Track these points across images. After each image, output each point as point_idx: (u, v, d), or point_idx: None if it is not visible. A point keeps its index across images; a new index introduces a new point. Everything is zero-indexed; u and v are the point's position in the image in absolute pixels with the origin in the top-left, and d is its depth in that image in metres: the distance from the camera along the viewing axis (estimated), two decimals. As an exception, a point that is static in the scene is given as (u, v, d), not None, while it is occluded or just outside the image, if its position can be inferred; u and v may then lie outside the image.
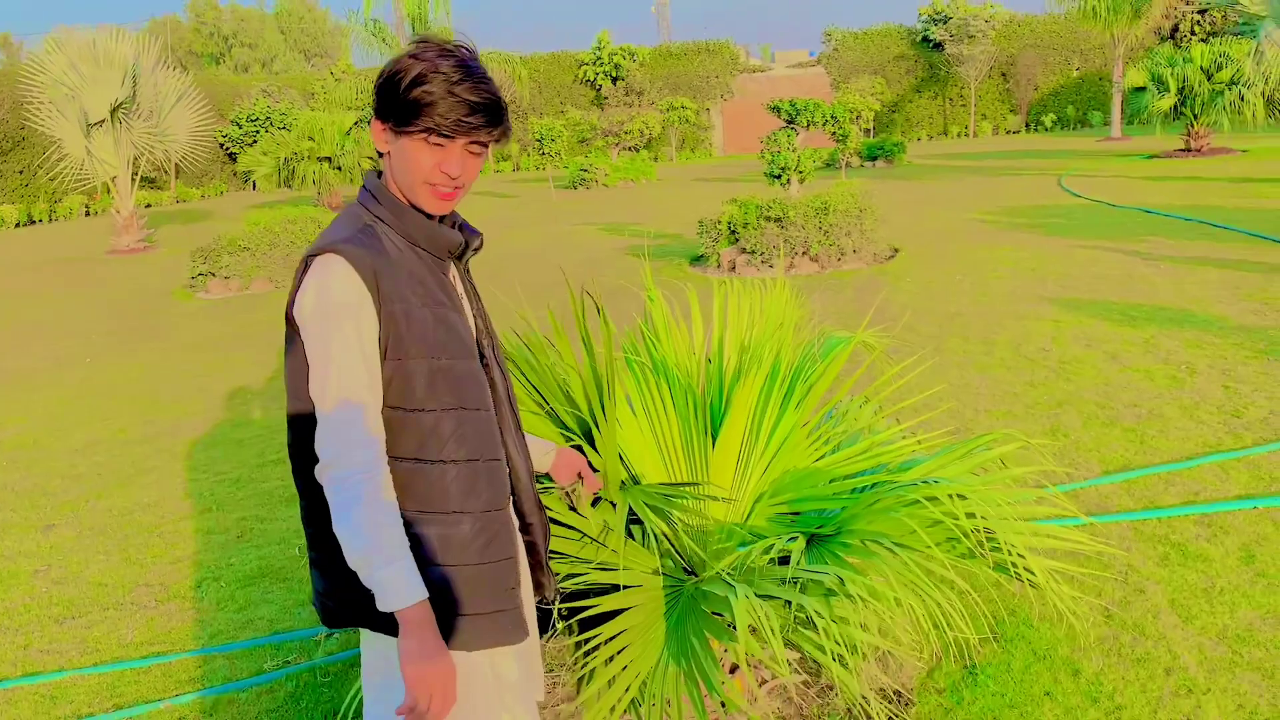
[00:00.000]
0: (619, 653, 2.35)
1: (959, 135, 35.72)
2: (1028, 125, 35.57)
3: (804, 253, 10.74)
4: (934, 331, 7.68)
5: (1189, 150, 20.71)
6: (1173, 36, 32.39)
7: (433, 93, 1.69)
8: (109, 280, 15.02)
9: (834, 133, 20.71)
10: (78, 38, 17.17)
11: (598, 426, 2.43)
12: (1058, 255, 10.53)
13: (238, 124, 36.24)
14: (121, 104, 17.28)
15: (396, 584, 1.68)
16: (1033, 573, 2.62)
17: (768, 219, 10.76)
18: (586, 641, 2.49)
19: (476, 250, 1.95)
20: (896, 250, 11.42)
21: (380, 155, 1.81)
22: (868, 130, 33.35)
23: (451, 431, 1.78)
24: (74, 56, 17.00)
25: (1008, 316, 7.97)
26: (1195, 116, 20.22)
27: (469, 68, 1.73)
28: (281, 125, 32.30)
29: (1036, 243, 11.46)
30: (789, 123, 11.37)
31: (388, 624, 1.78)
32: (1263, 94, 19.01)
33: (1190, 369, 6.23)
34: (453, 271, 1.89)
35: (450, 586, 1.79)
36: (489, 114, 1.74)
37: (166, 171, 34.05)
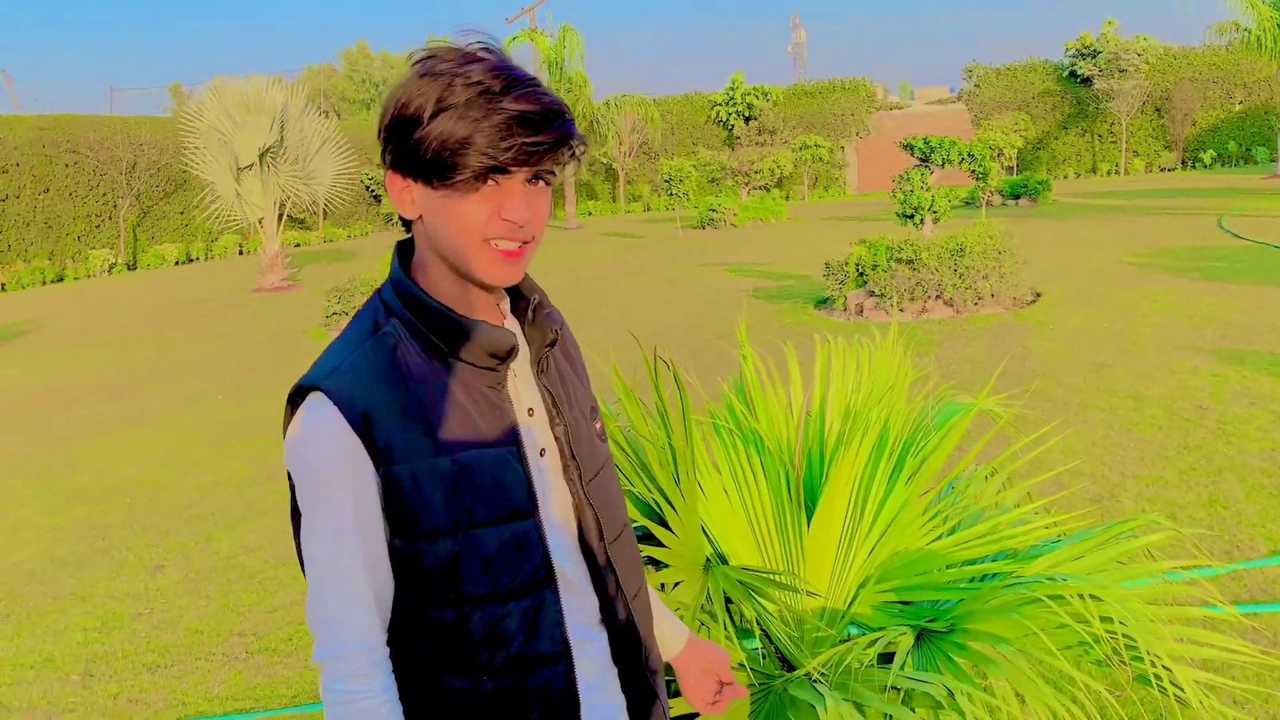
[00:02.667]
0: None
1: (1109, 173, 34.14)
2: (1184, 163, 33.74)
3: (937, 296, 10.26)
4: (1077, 384, 7.13)
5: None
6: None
7: (469, 116, 1.19)
8: (250, 318, 15.59)
9: (973, 170, 20.04)
10: (233, 86, 18.06)
11: (671, 503, 2.18)
12: (1217, 302, 9.75)
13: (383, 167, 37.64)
14: (269, 148, 18.04)
15: None
16: (1180, 688, 2.23)
17: (898, 260, 10.33)
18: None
19: (552, 345, 1.41)
20: (1039, 294, 10.81)
21: (405, 224, 1.32)
22: (1010, 168, 32.28)
23: (483, 635, 1.30)
24: (228, 104, 17.88)
25: (1159, 369, 7.35)
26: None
27: (508, 69, 1.23)
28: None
29: (1192, 288, 10.66)
30: (923, 160, 10.93)
31: None
32: None
33: (1369, 433, 5.56)
34: (515, 375, 1.38)
35: None
36: (554, 127, 1.22)
37: (315, 213, 35.57)
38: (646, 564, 2.41)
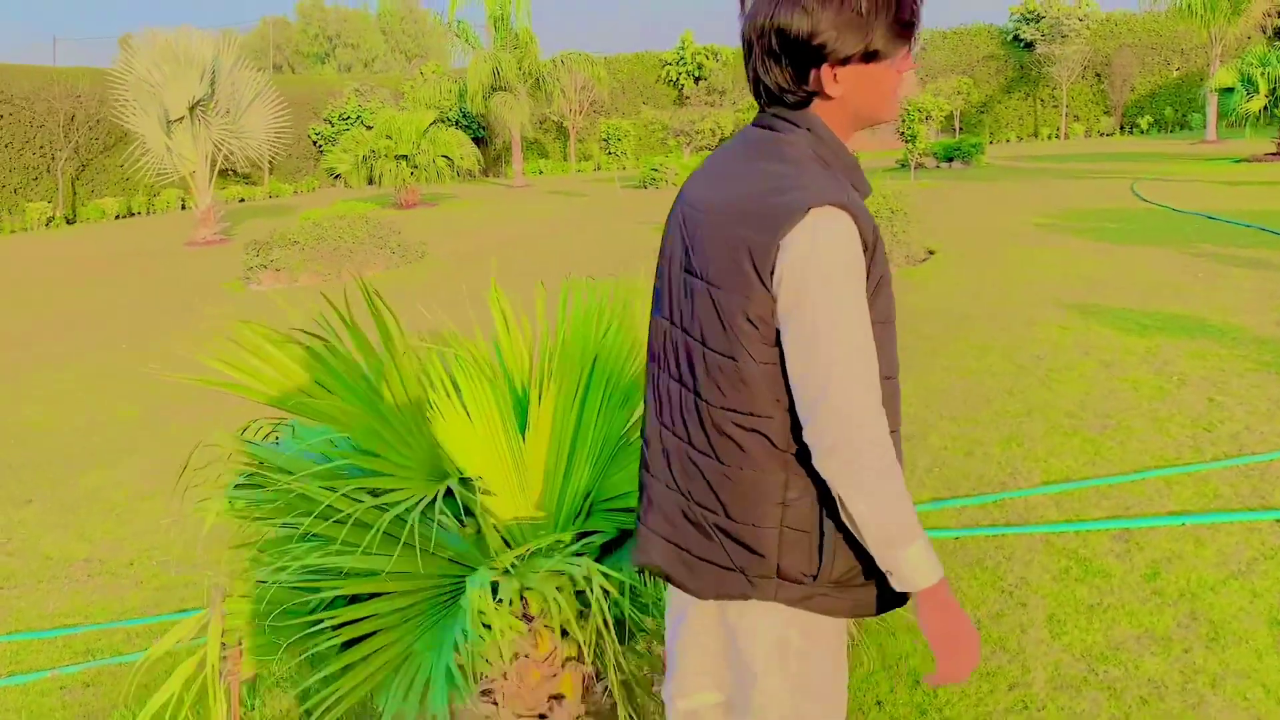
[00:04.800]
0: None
1: (1049, 137, 34.68)
2: (1122, 128, 34.33)
3: (832, 254, 10.60)
4: (934, 333, 7.51)
5: (1280, 154, 19.74)
6: (1279, 36, 30.89)
7: (885, 11, 1.61)
8: (173, 271, 15.65)
9: (902, 133, 20.37)
10: (163, 38, 17.92)
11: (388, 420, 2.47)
12: (1096, 260, 10.17)
13: (329, 122, 37.35)
14: (199, 102, 17.97)
15: (919, 563, 1.56)
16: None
17: (797, 219, 10.65)
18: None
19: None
20: (932, 253, 11.18)
21: (794, 103, 1.68)
22: (953, 131, 32.66)
23: (888, 402, 1.65)
24: (157, 56, 17.76)
25: (1017, 321, 7.74)
26: (1289, 118, 19.29)
27: None
28: (369, 125, 33.16)
29: (1081, 247, 11.09)
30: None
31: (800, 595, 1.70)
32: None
33: (1182, 380, 5.97)
34: None
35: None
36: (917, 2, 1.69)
37: (260, 167, 35.29)
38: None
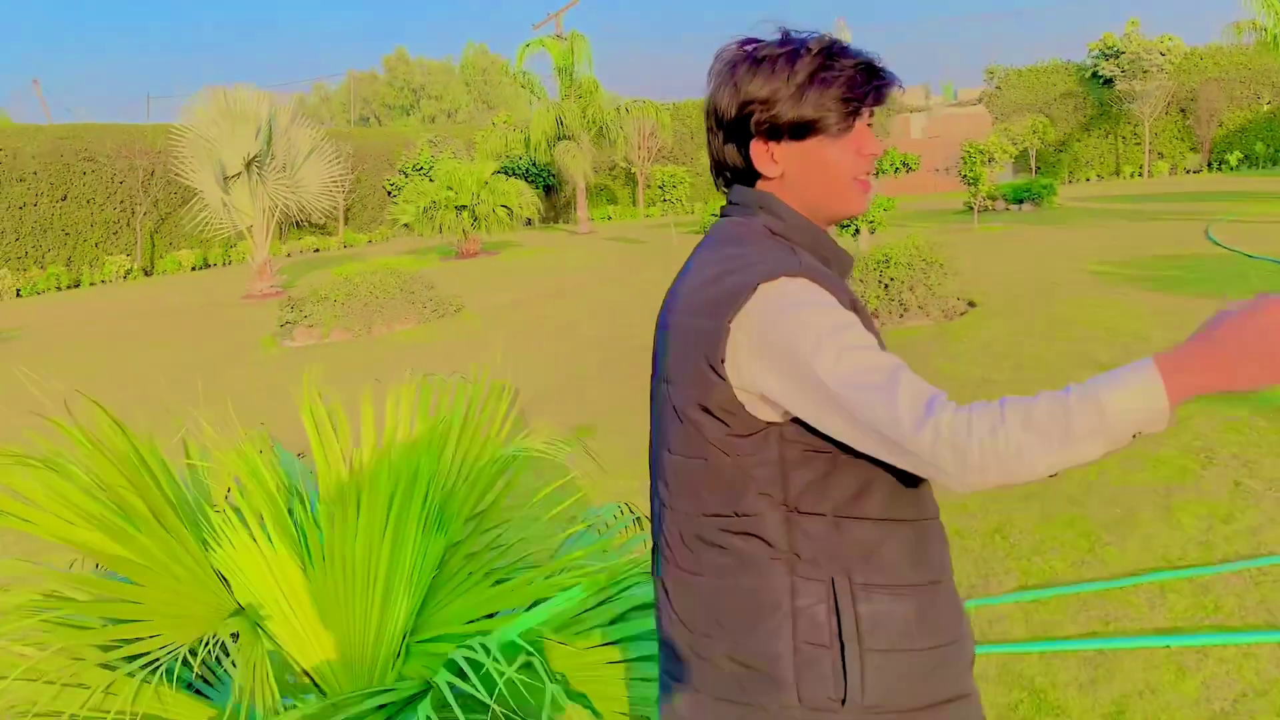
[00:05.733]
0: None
1: (1132, 175, 33.39)
2: (1210, 165, 32.89)
3: (863, 309, 10.10)
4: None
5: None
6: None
7: (826, 77, 1.45)
8: (220, 327, 15.82)
9: (964, 175, 19.75)
10: (219, 96, 18.36)
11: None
12: (1149, 314, 9.48)
13: (404, 173, 38.01)
14: (255, 158, 18.29)
15: (1125, 404, 1.19)
16: None
17: (827, 273, 10.20)
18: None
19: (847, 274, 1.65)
20: (973, 304, 10.60)
21: (749, 186, 1.54)
22: (1032, 169, 31.71)
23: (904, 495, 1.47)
24: (214, 114, 18.17)
25: (1040, 386, 7.15)
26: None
27: (827, 37, 1.51)
28: (431, 178, 33.70)
29: (1136, 299, 10.38)
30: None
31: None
32: None
33: (1209, 458, 5.36)
34: None
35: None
36: (883, 72, 1.50)
37: (335, 218, 36.05)
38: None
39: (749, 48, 1.52)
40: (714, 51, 1.56)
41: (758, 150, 1.51)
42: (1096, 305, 10.21)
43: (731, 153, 1.56)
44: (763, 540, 1.44)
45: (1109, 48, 33.12)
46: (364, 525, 2.46)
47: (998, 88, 35.83)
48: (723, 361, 1.41)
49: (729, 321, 1.40)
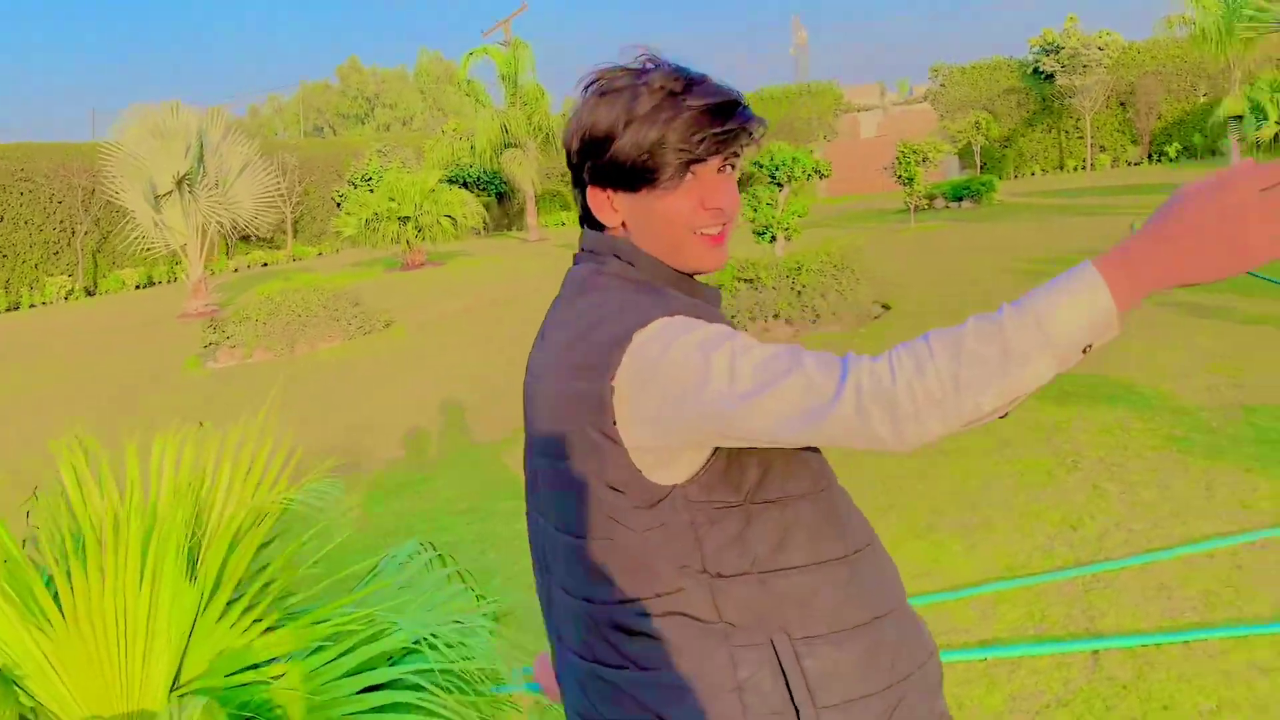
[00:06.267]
0: None
1: (1075, 169, 33.80)
2: (1151, 156, 33.37)
3: (776, 315, 10.16)
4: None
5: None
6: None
7: (659, 119, 1.30)
8: (152, 346, 15.65)
9: (898, 176, 19.91)
10: (148, 113, 18.15)
11: None
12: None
13: (352, 183, 37.77)
14: (185, 175, 18.10)
15: (1069, 320, 1.07)
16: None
17: (741, 280, 10.25)
18: None
19: None
20: (887, 308, 10.69)
21: (601, 231, 1.41)
22: (977, 165, 32.01)
23: (830, 526, 1.38)
24: (143, 132, 17.96)
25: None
26: (1305, 144, 18.46)
27: (682, 70, 1.35)
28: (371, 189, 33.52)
29: (1047, 298, 10.49)
30: (770, 178, 10.83)
31: None
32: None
33: (1075, 462, 5.44)
34: None
35: None
36: (736, 115, 1.33)
37: (283, 231, 35.78)
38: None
39: (600, 80, 1.38)
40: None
41: (595, 196, 1.39)
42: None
43: (579, 195, 1.43)
44: (690, 617, 1.30)
45: (1049, 43, 33.49)
46: (116, 580, 2.44)
47: (942, 85, 36.15)
48: (614, 424, 1.27)
49: (611, 380, 1.26)
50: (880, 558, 1.44)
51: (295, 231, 36.57)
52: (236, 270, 32.44)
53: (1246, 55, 24.39)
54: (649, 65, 1.35)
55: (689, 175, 1.32)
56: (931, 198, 23.48)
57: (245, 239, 33.07)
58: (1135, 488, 4.95)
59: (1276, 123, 18.16)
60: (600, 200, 1.39)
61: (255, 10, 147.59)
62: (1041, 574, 4.12)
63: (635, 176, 1.33)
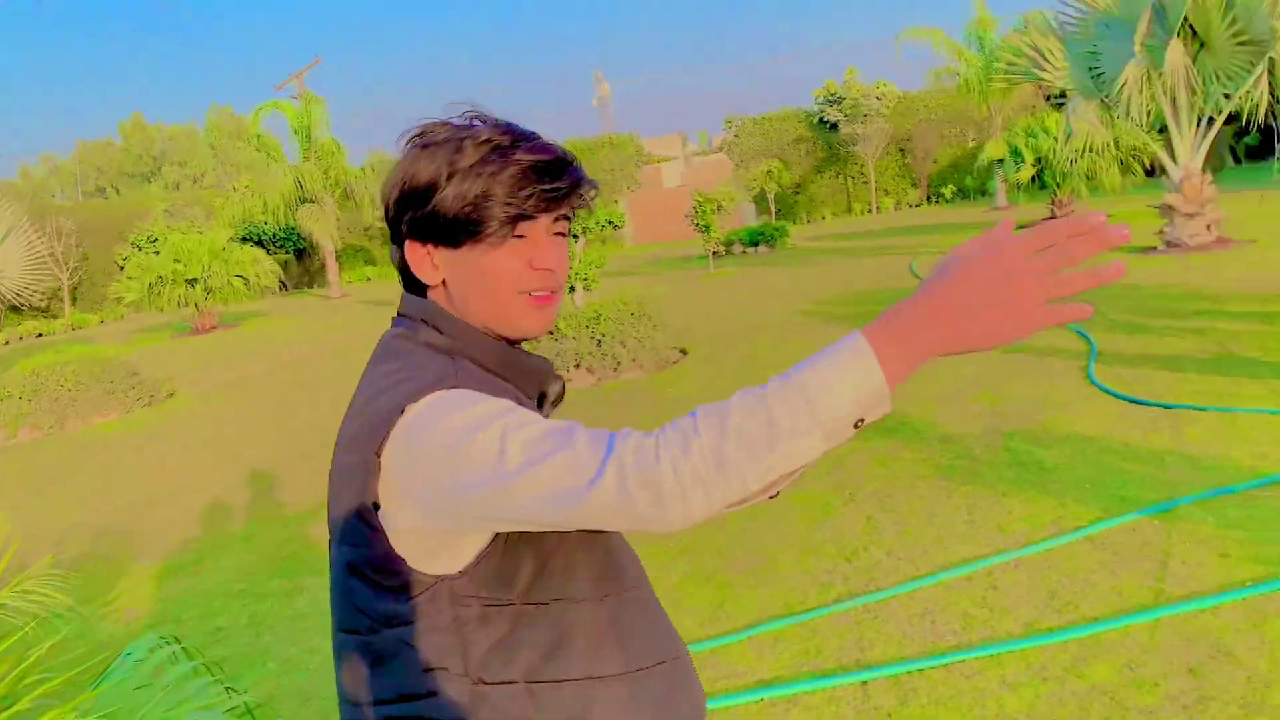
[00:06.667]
0: None
1: (862, 212, 35.75)
2: (929, 198, 35.70)
3: (578, 365, 10.19)
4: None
5: (1054, 219, 20.50)
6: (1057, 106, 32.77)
7: (485, 171, 1.23)
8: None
9: (697, 224, 20.51)
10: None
11: None
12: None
13: (137, 246, 35.73)
14: (-62, 243, 16.63)
15: (828, 372, 1.02)
16: None
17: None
18: None
19: (559, 396, 1.42)
20: (684, 352, 10.90)
21: (422, 292, 1.33)
22: (771, 212, 33.33)
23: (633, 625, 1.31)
24: (-113, 198, 16.42)
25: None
26: (1058, 185, 20.09)
27: (511, 126, 1.29)
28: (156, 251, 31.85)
29: (836, 335, 10.95)
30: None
31: None
32: (1117, 159, 18.90)
33: (852, 495, 5.64)
34: None
35: None
36: (567, 173, 1.28)
37: (60, 299, 33.45)
38: None
39: (423, 133, 1.31)
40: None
41: (414, 252, 1.30)
42: (795, 347, 10.71)
43: (397, 253, 1.34)
44: None
45: (832, 94, 35.42)
46: None
47: (736, 135, 37.58)
48: (375, 506, 1.17)
49: (376, 454, 1.17)
50: (678, 677, 1.34)
51: (74, 299, 34.26)
52: (8, 343, 30.02)
53: (1005, 103, 26.54)
54: (475, 120, 1.31)
55: (517, 234, 1.26)
56: (729, 244, 24.25)
57: (16, 310, 30.72)
58: (905, 517, 5.17)
59: (1032, 165, 19.71)
60: (419, 256, 1.30)
61: (28, 67, 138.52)
62: (817, 609, 4.22)
63: (458, 230, 1.26)
